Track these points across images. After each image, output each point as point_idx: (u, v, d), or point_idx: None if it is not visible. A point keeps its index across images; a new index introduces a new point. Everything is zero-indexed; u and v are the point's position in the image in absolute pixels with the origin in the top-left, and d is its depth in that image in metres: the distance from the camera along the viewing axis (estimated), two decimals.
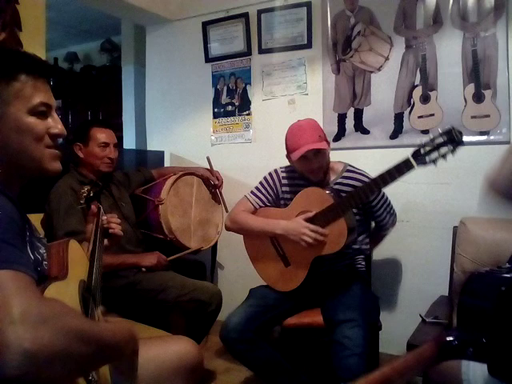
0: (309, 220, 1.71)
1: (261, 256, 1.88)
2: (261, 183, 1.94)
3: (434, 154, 1.46)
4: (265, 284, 1.92)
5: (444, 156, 1.45)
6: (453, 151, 1.44)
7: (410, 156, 1.51)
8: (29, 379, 0.60)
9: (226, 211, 2.51)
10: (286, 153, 1.86)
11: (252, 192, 1.93)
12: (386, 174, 1.57)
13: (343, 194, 1.75)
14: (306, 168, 1.78)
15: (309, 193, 1.77)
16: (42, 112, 0.85)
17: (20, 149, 0.83)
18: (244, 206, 1.91)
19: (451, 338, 0.91)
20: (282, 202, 1.91)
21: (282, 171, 1.93)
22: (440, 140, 1.45)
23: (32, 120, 0.84)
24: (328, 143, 1.80)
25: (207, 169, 2.49)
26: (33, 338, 0.58)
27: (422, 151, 1.48)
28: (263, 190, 1.92)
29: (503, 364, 0.86)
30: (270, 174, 1.95)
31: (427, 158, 1.47)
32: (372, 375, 0.89)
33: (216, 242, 2.50)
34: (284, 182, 1.91)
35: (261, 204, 1.90)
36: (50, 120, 0.87)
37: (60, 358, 0.61)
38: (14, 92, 0.82)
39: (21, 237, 0.75)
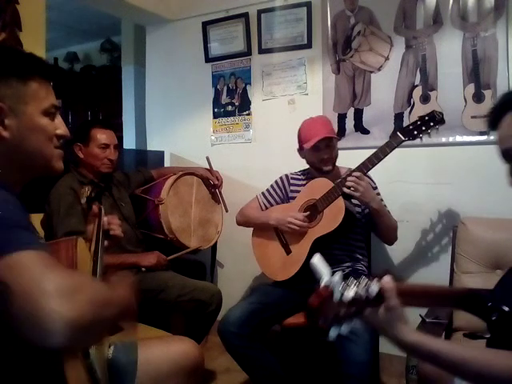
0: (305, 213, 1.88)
1: (266, 249, 1.99)
2: (271, 185, 2.09)
3: (420, 130, 1.71)
4: (267, 283, 1.94)
5: (428, 132, 1.71)
6: (435, 128, 1.71)
7: (398, 132, 1.74)
8: (74, 346, 0.69)
9: (226, 211, 2.52)
10: (297, 147, 2.00)
11: (262, 193, 2.09)
12: (378, 151, 1.74)
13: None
14: (317, 158, 1.91)
15: (313, 183, 1.91)
16: (52, 113, 0.89)
17: (33, 147, 0.86)
18: (253, 203, 2.08)
19: (486, 297, 0.95)
20: (290, 201, 2.01)
21: (291, 174, 2.09)
22: (424, 119, 1.71)
23: (45, 121, 0.88)
24: (337, 138, 1.97)
25: (207, 169, 2.49)
26: (72, 308, 0.61)
27: (410, 127, 1.73)
28: (272, 192, 2.07)
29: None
30: (280, 177, 2.10)
31: (415, 132, 1.72)
32: (405, 285, 0.92)
33: (216, 242, 2.50)
34: (293, 182, 2.05)
35: (268, 205, 2.06)
36: (56, 121, 0.91)
37: (96, 321, 0.66)
38: (30, 92, 0.85)
39: (30, 226, 0.77)
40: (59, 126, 0.91)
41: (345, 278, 0.85)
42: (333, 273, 0.85)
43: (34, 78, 0.86)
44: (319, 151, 1.88)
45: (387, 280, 0.87)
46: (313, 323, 0.85)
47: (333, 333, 0.83)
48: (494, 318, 0.90)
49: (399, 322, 0.85)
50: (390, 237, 1.92)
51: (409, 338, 0.84)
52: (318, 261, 0.88)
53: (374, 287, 0.84)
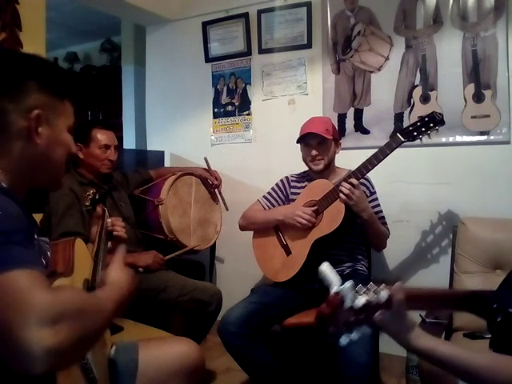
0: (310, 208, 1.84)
1: (266, 250, 1.98)
2: (272, 188, 2.09)
3: (419, 131, 1.69)
4: (266, 283, 1.94)
5: (428, 133, 1.70)
6: (435, 129, 1.69)
7: (397, 133, 1.72)
8: (57, 369, 0.69)
9: (226, 209, 2.52)
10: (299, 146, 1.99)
11: (264, 196, 2.08)
12: (378, 152, 1.73)
13: None
14: (307, 154, 1.92)
15: (314, 184, 1.91)
16: (71, 131, 0.95)
17: (56, 159, 0.90)
18: (256, 206, 2.07)
19: (491, 298, 0.94)
20: (291, 203, 2.01)
21: (292, 176, 2.09)
22: (424, 120, 1.69)
23: (69, 137, 0.94)
24: (336, 140, 1.96)
25: (205, 169, 2.49)
26: (53, 336, 0.60)
27: (410, 128, 1.71)
28: (274, 194, 2.07)
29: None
30: (281, 179, 2.10)
31: (414, 133, 1.70)
32: (412, 289, 0.92)
33: (214, 242, 2.50)
34: (293, 184, 2.06)
35: (270, 207, 2.04)
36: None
37: (80, 343, 0.65)
38: (64, 109, 0.92)
39: (27, 236, 0.75)
40: (73, 144, 0.96)
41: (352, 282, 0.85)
42: (342, 280, 0.85)
43: (68, 97, 0.93)
44: (309, 147, 1.90)
45: (398, 288, 0.86)
46: (323, 330, 0.85)
47: (344, 340, 0.83)
48: (499, 320, 0.90)
49: (409, 327, 0.85)
50: (378, 245, 1.93)
51: (420, 344, 0.84)
52: (326, 268, 0.87)
53: (384, 293, 0.84)
